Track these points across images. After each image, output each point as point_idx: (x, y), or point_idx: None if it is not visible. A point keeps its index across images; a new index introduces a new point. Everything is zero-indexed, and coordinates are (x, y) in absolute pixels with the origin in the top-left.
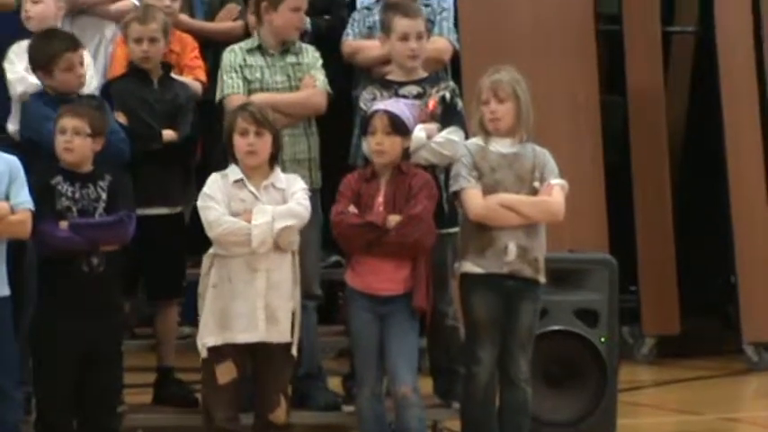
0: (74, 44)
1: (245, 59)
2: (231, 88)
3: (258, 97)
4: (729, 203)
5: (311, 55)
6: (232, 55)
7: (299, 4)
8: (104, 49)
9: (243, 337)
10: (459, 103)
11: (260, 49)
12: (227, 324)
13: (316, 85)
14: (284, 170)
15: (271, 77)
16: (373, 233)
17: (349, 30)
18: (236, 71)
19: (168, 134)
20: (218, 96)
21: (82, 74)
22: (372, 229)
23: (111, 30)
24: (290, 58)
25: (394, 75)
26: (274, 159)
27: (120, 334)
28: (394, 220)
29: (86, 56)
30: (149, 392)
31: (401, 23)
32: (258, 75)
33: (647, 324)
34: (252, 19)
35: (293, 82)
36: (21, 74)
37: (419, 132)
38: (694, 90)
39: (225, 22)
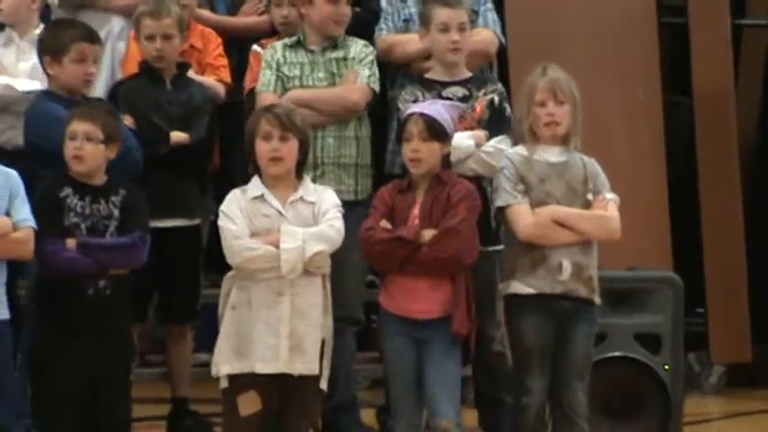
0: (91, 36)
1: (285, 56)
2: (263, 85)
3: (290, 94)
4: None
5: (359, 49)
6: (271, 51)
7: None
8: (111, 45)
9: (262, 366)
10: (508, 109)
11: (301, 44)
12: (246, 351)
13: (356, 81)
14: (324, 174)
15: (312, 74)
16: (405, 249)
17: (383, 24)
18: (271, 68)
19: (177, 136)
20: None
21: (91, 72)
22: (403, 244)
23: (118, 24)
24: (335, 53)
25: (435, 73)
26: (302, 168)
27: (129, 361)
28: (428, 234)
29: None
30: (162, 426)
31: (441, 13)
32: (297, 71)
33: (716, 350)
34: (293, 12)
35: (337, 79)
36: None
37: (467, 140)
38: None
39: (249, 15)
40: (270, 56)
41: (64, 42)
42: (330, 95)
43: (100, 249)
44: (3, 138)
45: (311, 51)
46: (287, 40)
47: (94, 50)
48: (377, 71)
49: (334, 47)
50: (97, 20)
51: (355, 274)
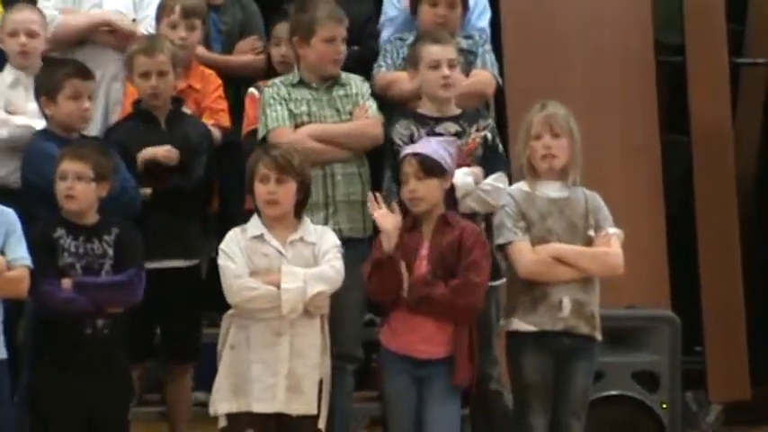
0: (84, 73)
1: (288, 93)
2: (277, 121)
3: (310, 128)
4: None
5: (359, 84)
6: (274, 88)
7: (333, 35)
8: (105, 87)
9: (260, 406)
10: (500, 145)
11: (303, 83)
12: (244, 390)
13: (368, 116)
14: (336, 212)
15: (319, 111)
16: (389, 269)
17: (381, 62)
18: (280, 104)
19: (149, 153)
20: (260, 133)
21: (87, 108)
22: (384, 265)
23: (114, 65)
24: (338, 91)
25: (426, 109)
26: (301, 209)
27: (127, 401)
28: (387, 239)
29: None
30: None
31: (431, 50)
32: (305, 108)
33: (714, 389)
34: (290, 55)
35: (343, 116)
36: (1, 115)
37: (466, 177)
38: (767, 129)
39: (245, 53)
40: (275, 92)
41: (57, 81)
42: (353, 130)
43: (95, 288)
44: (14, 177)
45: (315, 89)
46: (285, 78)
47: (88, 86)
48: None
49: (336, 84)
50: (93, 59)
51: (355, 312)
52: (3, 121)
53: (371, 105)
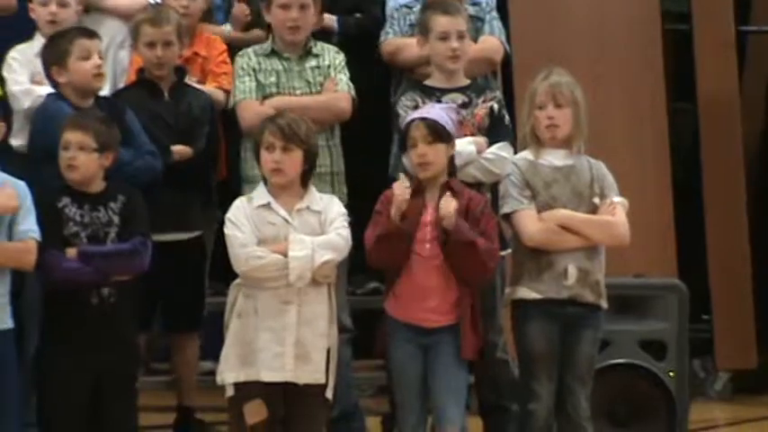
0: (88, 32)
1: (259, 63)
2: (243, 93)
3: (274, 101)
4: None
5: (332, 56)
6: (245, 58)
7: (287, 1)
8: (113, 54)
9: (269, 375)
10: (507, 116)
11: (275, 53)
12: (252, 359)
13: (337, 89)
14: None
15: (288, 82)
16: (397, 240)
17: (389, 29)
18: (248, 75)
19: (180, 150)
20: (230, 103)
21: (100, 64)
22: (394, 237)
23: (120, 33)
24: (310, 62)
25: (434, 80)
26: (307, 177)
27: (135, 370)
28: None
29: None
30: None
31: (440, 22)
32: (273, 79)
33: (721, 357)
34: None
35: (314, 87)
36: (26, 86)
37: (469, 146)
38: None
39: (240, 18)
40: (245, 63)
41: (64, 47)
42: (318, 103)
43: (101, 257)
44: None
45: (286, 59)
46: (258, 48)
47: (95, 45)
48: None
49: (308, 54)
50: (99, 26)
51: (340, 281)
52: (26, 91)
53: (342, 78)
